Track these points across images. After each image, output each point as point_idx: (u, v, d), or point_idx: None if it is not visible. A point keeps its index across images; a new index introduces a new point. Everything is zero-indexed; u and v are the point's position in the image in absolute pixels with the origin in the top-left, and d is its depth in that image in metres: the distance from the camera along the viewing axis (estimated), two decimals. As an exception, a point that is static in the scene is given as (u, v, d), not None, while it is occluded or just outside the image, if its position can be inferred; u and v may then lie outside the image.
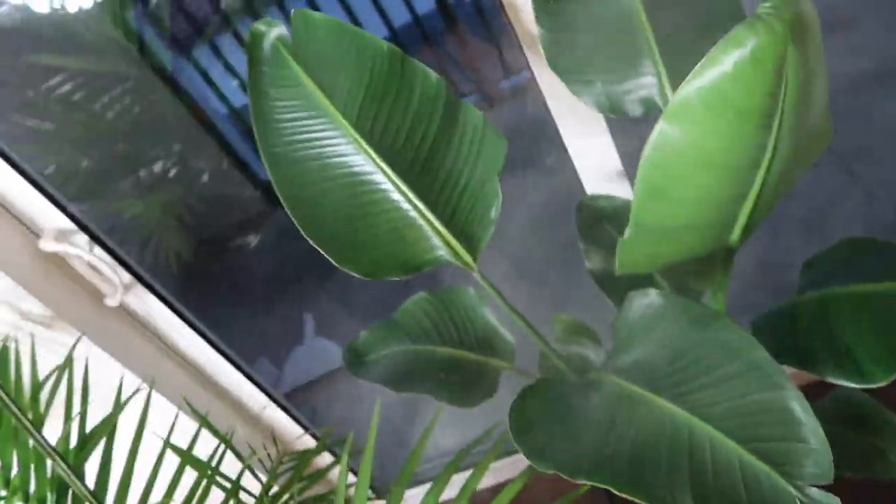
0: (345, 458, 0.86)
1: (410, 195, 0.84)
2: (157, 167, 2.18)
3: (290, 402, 1.52)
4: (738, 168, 0.61)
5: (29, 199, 1.14)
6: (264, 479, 1.19)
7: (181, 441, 1.05)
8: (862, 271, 0.76)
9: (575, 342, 1.18)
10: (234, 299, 2.43)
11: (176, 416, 1.13)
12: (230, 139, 2.43)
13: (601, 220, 1.09)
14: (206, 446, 1.08)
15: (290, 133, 0.84)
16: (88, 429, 1.01)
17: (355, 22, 2.33)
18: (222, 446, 1.09)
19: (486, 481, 1.60)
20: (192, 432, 1.07)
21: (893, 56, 1.88)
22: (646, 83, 0.81)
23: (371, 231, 0.84)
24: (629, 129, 1.14)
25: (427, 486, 0.90)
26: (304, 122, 0.84)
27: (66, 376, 1.03)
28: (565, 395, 0.73)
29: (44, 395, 1.03)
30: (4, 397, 0.94)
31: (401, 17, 2.42)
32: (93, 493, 0.94)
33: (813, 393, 0.63)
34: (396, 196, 0.84)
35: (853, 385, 0.65)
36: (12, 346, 1.06)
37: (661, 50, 0.80)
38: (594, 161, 1.17)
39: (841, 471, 0.57)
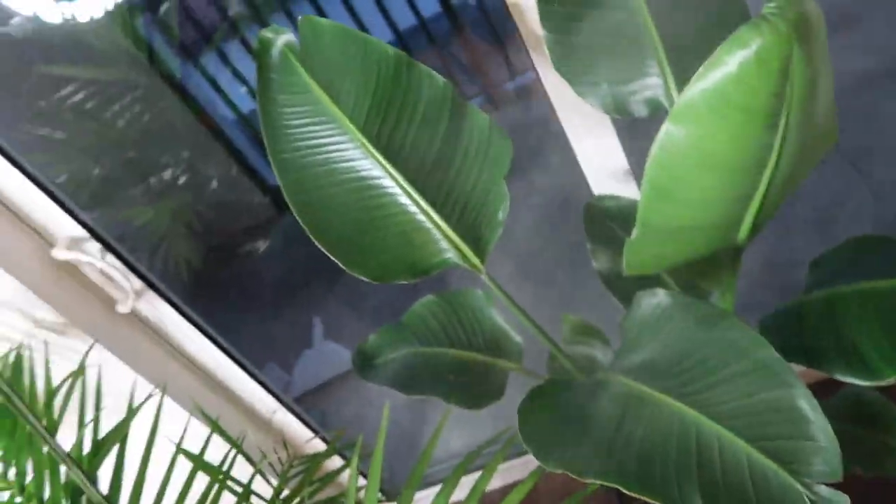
0: (354, 461, 0.87)
1: (418, 199, 0.85)
2: (167, 174, 2.19)
3: (300, 405, 1.53)
4: (744, 168, 0.61)
5: (41, 208, 1.15)
6: (275, 482, 1.20)
7: (192, 446, 1.06)
8: (869, 269, 0.76)
9: (583, 342, 1.18)
10: (243, 304, 2.44)
11: (188, 422, 1.14)
12: (239, 145, 2.45)
13: (608, 220, 1.09)
14: (217, 451, 1.09)
15: (299, 139, 0.85)
16: (101, 434, 1.02)
17: (360, 26, 2.34)
18: (233, 451, 1.09)
19: (495, 482, 1.61)
20: (204, 437, 1.08)
21: (894, 54, 1.88)
22: (651, 84, 0.82)
23: (379, 235, 0.84)
24: (635, 129, 1.14)
25: (436, 488, 0.91)
26: (313, 128, 0.85)
27: (79, 383, 1.05)
28: (574, 395, 0.73)
29: (57, 401, 1.04)
30: (19, 404, 0.95)
31: (406, 20, 2.43)
32: (106, 498, 0.95)
33: (822, 391, 0.63)
34: (404, 200, 0.85)
35: (862, 382, 0.65)
36: (26, 353, 1.07)
37: (666, 50, 0.81)
38: (600, 161, 1.17)
39: (851, 468, 0.57)
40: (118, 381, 1.21)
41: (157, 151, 2.18)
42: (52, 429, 1.02)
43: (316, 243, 0.83)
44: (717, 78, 0.55)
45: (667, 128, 0.59)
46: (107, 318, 1.23)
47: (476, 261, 0.87)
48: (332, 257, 0.83)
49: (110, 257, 1.22)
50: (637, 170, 1.19)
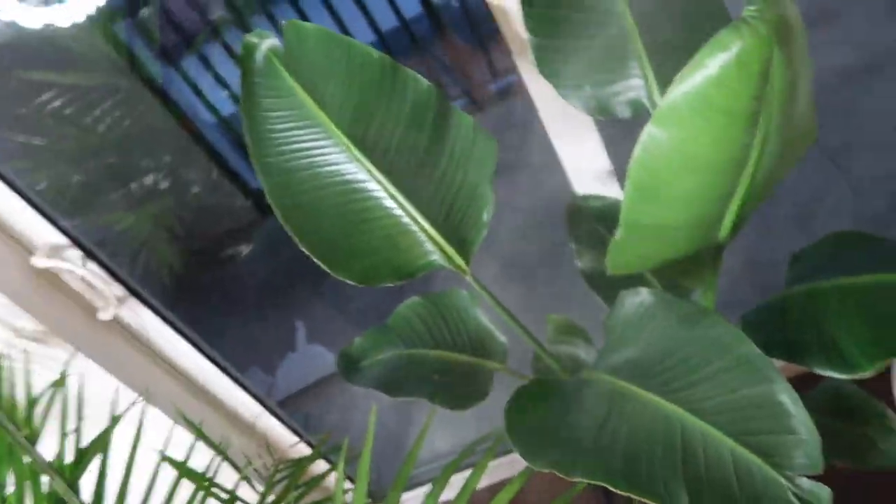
0: (341, 464, 0.87)
1: (403, 202, 0.85)
2: (148, 179, 2.17)
3: (284, 409, 1.53)
4: (725, 168, 0.62)
5: (21, 216, 1.14)
6: (260, 488, 1.19)
7: (176, 453, 1.05)
8: (848, 265, 0.78)
9: (567, 342, 1.19)
10: (226, 309, 2.43)
11: (172, 429, 1.13)
12: (220, 149, 2.43)
13: (591, 220, 1.10)
14: (201, 456, 1.08)
15: (283, 142, 0.85)
16: (84, 443, 1.01)
17: (342, 27, 2.34)
18: (218, 457, 1.09)
19: (482, 481, 1.61)
20: (187, 443, 1.07)
21: (874, 49, 1.91)
22: (634, 85, 0.83)
23: (365, 238, 0.85)
24: (617, 129, 1.15)
25: (423, 489, 0.91)
26: (297, 132, 0.85)
27: (60, 392, 1.03)
28: (559, 394, 0.74)
29: (38, 411, 1.03)
30: (0, 413, 0.94)
31: (388, 21, 2.43)
32: (91, 505, 0.95)
33: (801, 385, 0.64)
34: (389, 203, 0.85)
35: (841, 376, 0.66)
36: (6, 363, 1.06)
37: (648, 52, 0.81)
38: (583, 161, 1.18)
39: (831, 461, 0.58)
40: (100, 390, 1.19)
41: (138, 156, 2.16)
42: (33, 439, 1.01)
43: (301, 247, 0.83)
44: (698, 80, 0.55)
45: (650, 130, 0.59)
46: (88, 326, 1.22)
47: (461, 262, 0.87)
48: (317, 261, 0.83)
49: (91, 264, 1.21)
50: (619, 170, 1.20)
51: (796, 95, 0.62)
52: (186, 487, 1.03)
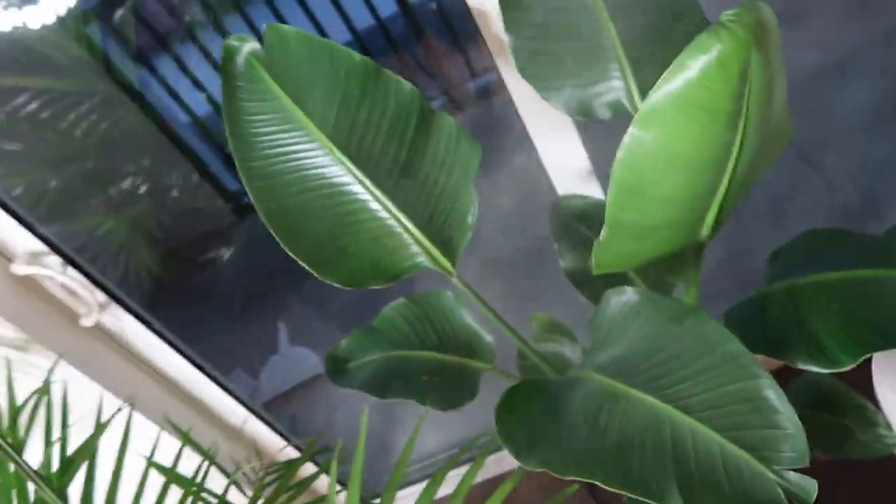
0: (334, 467, 0.87)
1: (388, 204, 0.85)
2: (126, 183, 2.15)
3: (269, 412, 1.52)
4: (707, 167, 0.63)
5: (-1, 223, 1.13)
6: (249, 492, 1.19)
7: (163, 459, 1.04)
8: (825, 261, 0.79)
9: (552, 340, 1.20)
10: (206, 312, 2.41)
11: (158, 435, 1.12)
12: (198, 152, 2.41)
13: (573, 220, 1.11)
14: (188, 462, 1.07)
15: (267, 146, 0.85)
16: (70, 451, 1.00)
17: (318, 26, 2.33)
18: (206, 462, 1.09)
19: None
20: (173, 449, 1.06)
21: (842, 47, 1.94)
22: (614, 87, 0.84)
23: (350, 241, 0.85)
24: (596, 129, 1.17)
25: (409, 489, 0.91)
26: (281, 136, 0.85)
27: (44, 399, 1.02)
28: (548, 393, 0.75)
29: (22, 419, 1.02)
30: (-17, 424, 0.93)
31: (364, 20, 2.42)
32: (78, 514, 0.94)
33: (781, 378, 0.65)
34: (375, 206, 0.85)
35: (822, 370, 0.68)
36: (-13, 371, 1.05)
37: (627, 54, 0.83)
38: (563, 161, 1.19)
39: (812, 452, 0.59)
40: (84, 397, 1.19)
41: (115, 160, 2.14)
42: (18, 447, 1.00)
43: (287, 251, 0.83)
44: (680, 81, 0.56)
45: (633, 131, 0.61)
46: (70, 333, 1.21)
47: (447, 264, 0.88)
48: (303, 264, 0.83)
49: (71, 270, 1.19)
50: (598, 169, 1.21)
51: (773, 95, 0.63)
52: (175, 493, 1.03)
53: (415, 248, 0.87)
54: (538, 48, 0.85)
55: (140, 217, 2.15)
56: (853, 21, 2.00)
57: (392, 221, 0.86)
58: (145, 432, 1.22)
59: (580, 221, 1.08)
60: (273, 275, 2.40)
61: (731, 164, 0.64)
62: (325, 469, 1.18)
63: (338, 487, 1.48)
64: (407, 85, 0.86)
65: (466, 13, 1.05)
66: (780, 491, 0.56)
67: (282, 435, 1.47)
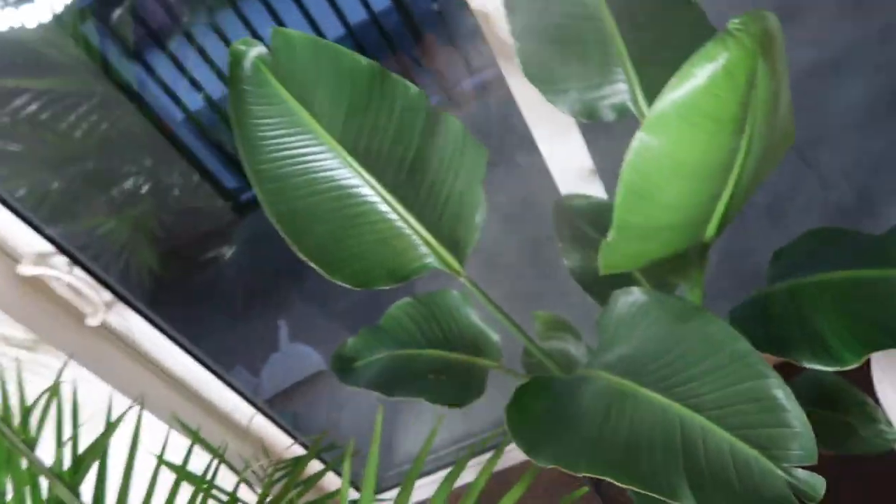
0: (347, 466, 0.88)
1: (397, 205, 0.87)
2: (127, 183, 2.16)
3: (271, 409, 1.53)
4: (713, 172, 0.65)
5: (5, 224, 1.13)
6: (257, 489, 1.20)
7: (173, 457, 1.05)
8: (826, 261, 0.81)
9: (556, 337, 1.21)
10: (207, 310, 2.42)
11: (168, 433, 1.13)
12: (194, 150, 2.42)
13: (577, 219, 1.12)
14: (197, 461, 1.08)
15: (275, 150, 0.86)
16: (81, 450, 1.01)
17: (311, 22, 2.32)
18: (215, 460, 1.10)
19: (467, 476, 1.64)
20: (181, 447, 1.07)
21: (837, 45, 1.96)
22: (618, 90, 0.85)
23: (359, 242, 0.86)
24: (599, 129, 1.18)
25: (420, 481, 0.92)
26: (289, 139, 0.86)
27: (54, 398, 1.03)
28: (558, 392, 0.76)
29: (33, 419, 1.03)
30: (-2, 422, 0.94)
31: (357, 15, 2.42)
32: (90, 511, 0.95)
33: (781, 373, 0.66)
34: (383, 207, 0.87)
35: (827, 368, 0.69)
36: (-2, 371, 1.05)
37: (631, 57, 0.84)
38: (566, 161, 1.20)
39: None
40: (93, 395, 1.19)
41: (114, 160, 2.14)
42: (30, 446, 1.01)
43: (297, 253, 0.84)
44: (687, 89, 0.58)
45: (640, 136, 0.62)
46: (77, 332, 1.22)
47: (455, 264, 0.89)
48: (313, 265, 0.84)
49: (77, 270, 1.20)
50: (601, 169, 1.23)
51: (778, 100, 0.65)
52: (185, 491, 1.04)
53: (424, 249, 0.88)
54: (543, 51, 0.86)
55: (141, 216, 2.16)
56: (847, 19, 2.02)
57: (401, 223, 0.87)
58: (154, 431, 1.23)
59: (582, 220, 1.09)
60: (273, 272, 2.41)
61: (736, 170, 0.66)
62: (332, 467, 1.19)
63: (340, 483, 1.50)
64: (413, 88, 0.87)
65: (461, 8, 1.05)
66: (789, 488, 0.57)
67: (288, 433, 1.49)
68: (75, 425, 1.02)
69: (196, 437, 1.08)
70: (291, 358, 2.27)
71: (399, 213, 0.87)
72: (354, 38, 2.42)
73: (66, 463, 1.00)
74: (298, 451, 1.49)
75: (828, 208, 1.70)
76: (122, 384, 1.23)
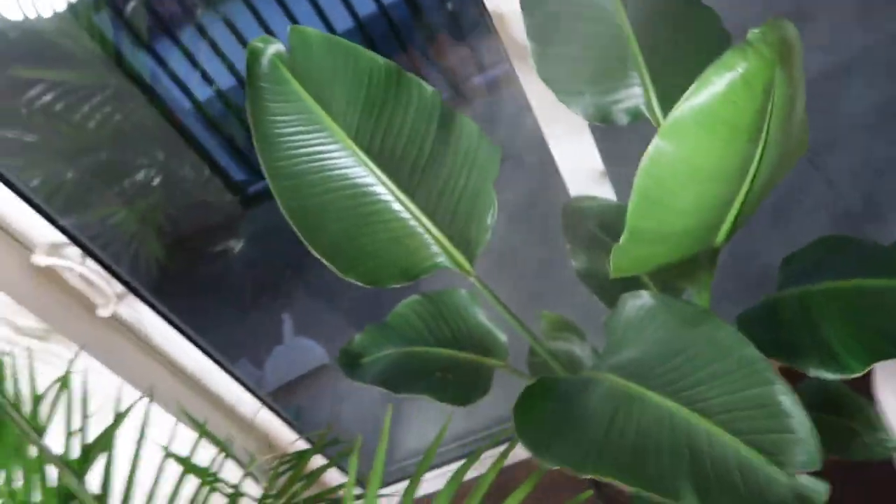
0: (353, 461, 0.89)
1: (410, 205, 0.87)
2: (135, 174, 2.16)
3: (275, 402, 1.54)
4: (728, 179, 0.65)
5: (19, 214, 1.14)
6: (262, 482, 1.21)
7: (179, 449, 1.07)
8: (835, 269, 0.82)
9: (561, 338, 1.22)
10: (211, 302, 2.43)
11: (175, 425, 1.14)
12: (203, 142, 2.43)
13: (586, 220, 1.13)
14: (202, 453, 1.09)
15: (291, 147, 0.86)
16: (89, 440, 1.02)
17: (321, 14, 2.33)
18: (221, 453, 1.11)
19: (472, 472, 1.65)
20: (186, 439, 1.08)
21: (848, 49, 1.96)
22: (633, 94, 0.85)
23: (372, 240, 0.87)
24: (609, 130, 1.18)
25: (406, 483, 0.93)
26: (305, 136, 0.86)
27: (64, 387, 1.04)
28: (566, 393, 0.77)
29: (43, 407, 1.04)
30: (8, 408, 0.95)
31: (366, 7, 2.42)
32: (98, 499, 0.96)
33: (785, 377, 0.67)
34: (396, 206, 0.87)
35: (833, 377, 0.70)
36: (9, 360, 1.07)
37: (646, 62, 0.84)
38: (578, 163, 1.21)
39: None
40: (102, 386, 1.20)
41: (126, 152, 2.15)
42: (39, 434, 1.02)
43: (311, 249, 0.85)
44: (705, 97, 0.58)
45: (657, 142, 0.62)
46: (89, 323, 1.23)
47: (466, 264, 0.90)
48: (325, 262, 0.85)
49: (90, 261, 1.21)
50: (611, 171, 1.23)
51: (794, 109, 0.65)
52: (190, 483, 1.05)
53: (435, 249, 0.89)
54: (559, 54, 0.86)
55: (149, 207, 2.17)
56: (858, 23, 2.02)
57: (413, 222, 0.88)
58: (161, 423, 1.24)
59: (593, 223, 1.10)
60: (277, 266, 2.41)
61: (750, 177, 0.66)
62: (335, 462, 1.20)
63: (343, 479, 1.51)
64: (428, 88, 0.88)
65: (471, 4, 1.05)
66: (793, 493, 0.58)
67: (293, 427, 1.50)
68: (85, 415, 1.03)
69: (203, 430, 1.09)
70: (295, 351, 2.28)
71: (412, 213, 0.88)
72: (363, 30, 2.42)
73: (75, 452, 1.01)
74: (303, 445, 1.50)
75: (835, 212, 1.70)
76: (132, 376, 1.24)
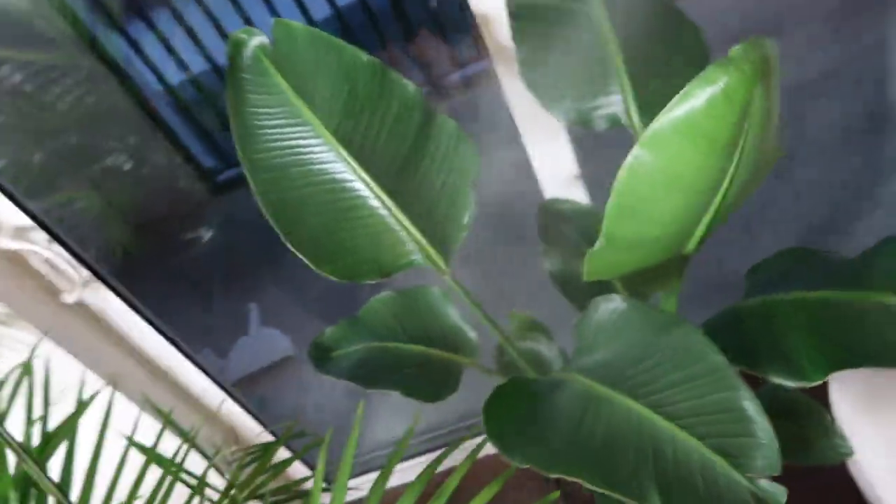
0: (323, 454, 0.89)
1: (388, 202, 0.88)
2: (102, 158, 2.12)
3: (239, 392, 1.53)
4: (704, 188, 0.67)
5: (-15, 196, 1.12)
6: (224, 474, 1.21)
7: (143, 439, 1.06)
8: (799, 280, 0.84)
9: (530, 338, 1.23)
10: (176, 290, 2.40)
11: (138, 415, 1.13)
12: (174, 127, 2.39)
13: (560, 223, 1.14)
14: (166, 444, 1.09)
15: (271, 139, 0.86)
16: (50, 427, 1.00)
17: (300, 3, 2.30)
18: (185, 444, 1.10)
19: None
20: (150, 428, 1.07)
21: (816, 65, 2.01)
22: (612, 101, 0.87)
23: (351, 235, 0.87)
24: (585, 134, 1.20)
25: (376, 473, 0.94)
26: (285, 130, 0.86)
27: (26, 373, 1.03)
28: (536, 393, 0.78)
29: (4, 393, 1.02)
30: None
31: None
32: (58, 487, 0.95)
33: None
34: (374, 202, 0.88)
35: (794, 384, 0.72)
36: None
37: (628, 71, 0.86)
38: (553, 166, 1.22)
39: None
40: (65, 373, 1.18)
41: (93, 136, 2.11)
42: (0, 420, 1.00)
43: (286, 243, 0.84)
44: (686, 110, 0.60)
45: (636, 151, 0.64)
46: (53, 309, 1.21)
47: (441, 263, 0.91)
48: (301, 257, 0.85)
49: (56, 246, 1.19)
50: (585, 175, 1.25)
51: (770, 123, 0.67)
52: (153, 473, 1.04)
53: (411, 246, 0.89)
54: (543, 59, 0.88)
55: (116, 191, 2.13)
56: (828, 37, 2.07)
57: (391, 219, 0.88)
58: (125, 412, 1.23)
59: (569, 225, 1.11)
60: (246, 255, 2.39)
61: (724, 187, 0.68)
62: (300, 455, 1.20)
63: (307, 473, 1.51)
64: (411, 86, 0.88)
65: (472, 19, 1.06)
66: (752, 497, 0.60)
67: (258, 419, 1.49)
68: (46, 402, 1.01)
69: (167, 420, 1.08)
70: (260, 342, 2.26)
71: (389, 209, 0.88)
72: (342, 20, 2.40)
73: (36, 440, 1.00)
74: (268, 438, 1.49)
75: (800, 223, 1.74)
76: (96, 363, 1.22)
